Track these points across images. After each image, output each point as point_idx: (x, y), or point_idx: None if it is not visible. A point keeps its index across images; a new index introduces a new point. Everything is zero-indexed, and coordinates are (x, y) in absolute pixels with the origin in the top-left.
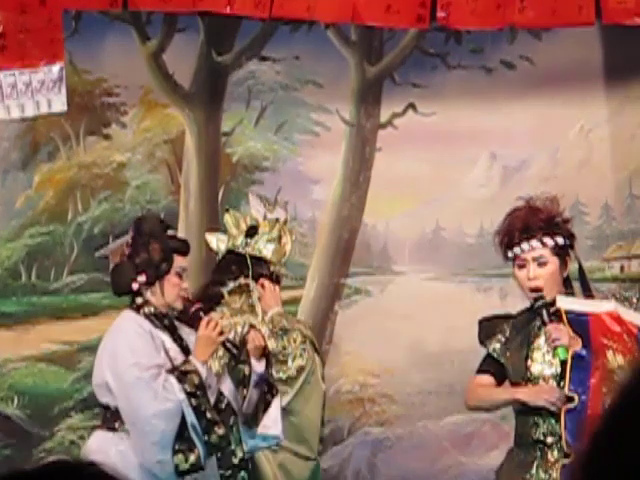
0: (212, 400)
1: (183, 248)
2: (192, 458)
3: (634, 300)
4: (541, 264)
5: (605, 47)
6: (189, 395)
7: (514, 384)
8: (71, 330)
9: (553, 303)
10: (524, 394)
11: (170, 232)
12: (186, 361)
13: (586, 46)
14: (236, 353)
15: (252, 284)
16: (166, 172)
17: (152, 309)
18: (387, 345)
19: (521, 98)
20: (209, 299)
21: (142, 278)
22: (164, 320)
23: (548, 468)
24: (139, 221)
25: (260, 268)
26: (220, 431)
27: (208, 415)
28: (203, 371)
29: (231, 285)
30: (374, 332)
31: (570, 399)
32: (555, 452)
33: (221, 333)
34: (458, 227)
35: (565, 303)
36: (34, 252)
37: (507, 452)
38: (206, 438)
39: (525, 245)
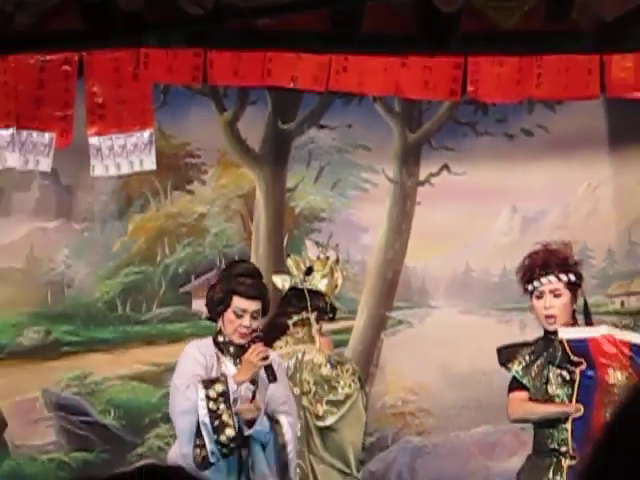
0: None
1: (243, 290)
2: (203, 453)
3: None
4: (556, 295)
5: (609, 117)
6: (209, 398)
7: (533, 401)
8: (159, 354)
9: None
10: (570, 407)
11: (244, 278)
12: (222, 375)
13: (593, 116)
14: (271, 379)
15: (312, 318)
16: (239, 222)
17: (222, 338)
18: (424, 367)
19: (538, 160)
20: (275, 329)
21: (206, 313)
22: (230, 347)
23: (562, 473)
24: (227, 263)
25: (316, 300)
26: (230, 432)
27: (223, 417)
28: (232, 385)
29: (295, 318)
30: (414, 356)
31: (578, 410)
32: (568, 459)
33: (264, 359)
34: (485, 268)
35: (566, 333)
36: (128, 288)
37: (526, 458)
38: (216, 437)
39: (544, 279)
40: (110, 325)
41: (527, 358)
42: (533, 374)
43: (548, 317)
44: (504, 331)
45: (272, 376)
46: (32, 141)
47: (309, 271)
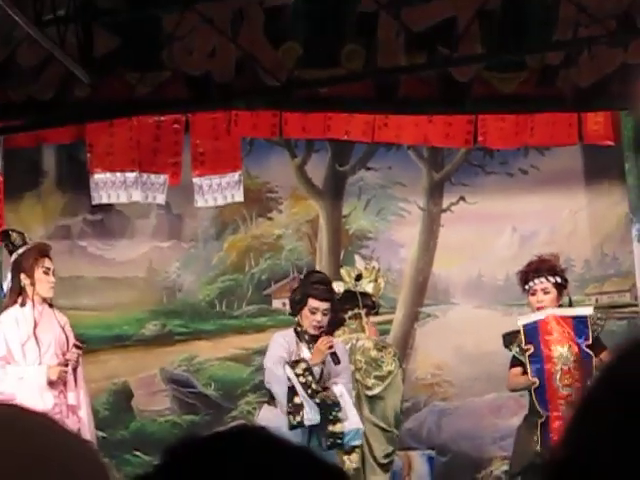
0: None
1: (317, 294)
2: (297, 418)
3: (604, 322)
4: (546, 293)
5: (585, 159)
6: (297, 375)
7: (524, 374)
8: (247, 341)
9: None
10: (530, 380)
11: (318, 285)
12: (302, 358)
13: (573, 158)
14: (336, 362)
15: (363, 313)
16: (307, 241)
17: (300, 328)
18: (447, 349)
19: (532, 192)
20: (335, 322)
21: (288, 309)
22: (305, 336)
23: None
24: (307, 273)
25: (365, 300)
26: (322, 394)
27: (313, 386)
28: (310, 363)
29: (350, 313)
30: (439, 341)
31: (534, 383)
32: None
33: (330, 347)
34: (492, 274)
35: (521, 320)
36: (224, 291)
37: (524, 417)
38: (312, 401)
39: (536, 280)
40: (210, 319)
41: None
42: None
43: (539, 309)
44: (507, 322)
45: (336, 360)
46: (151, 181)
47: (358, 278)
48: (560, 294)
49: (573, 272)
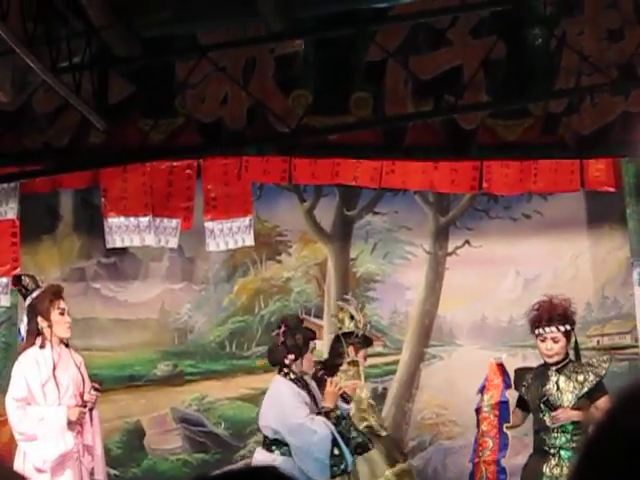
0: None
1: (313, 336)
2: (342, 466)
3: (606, 363)
4: (555, 342)
5: (587, 204)
6: (334, 424)
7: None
8: (257, 380)
9: (555, 364)
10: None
11: (306, 325)
12: (323, 407)
13: (575, 204)
14: (348, 400)
15: (361, 361)
16: (316, 283)
17: (294, 375)
18: (452, 389)
19: (535, 237)
20: (330, 368)
21: (291, 356)
22: (301, 381)
23: (550, 466)
24: (286, 319)
25: (349, 339)
26: (359, 439)
27: (352, 434)
28: (326, 408)
29: (348, 359)
30: (444, 382)
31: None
32: (552, 457)
33: (339, 389)
34: (496, 316)
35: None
36: (234, 333)
37: (529, 456)
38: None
39: (547, 329)
40: (221, 360)
41: (529, 381)
42: (531, 393)
43: (549, 356)
44: (511, 363)
45: (348, 399)
46: (163, 225)
47: (341, 321)
48: (569, 341)
49: (575, 315)
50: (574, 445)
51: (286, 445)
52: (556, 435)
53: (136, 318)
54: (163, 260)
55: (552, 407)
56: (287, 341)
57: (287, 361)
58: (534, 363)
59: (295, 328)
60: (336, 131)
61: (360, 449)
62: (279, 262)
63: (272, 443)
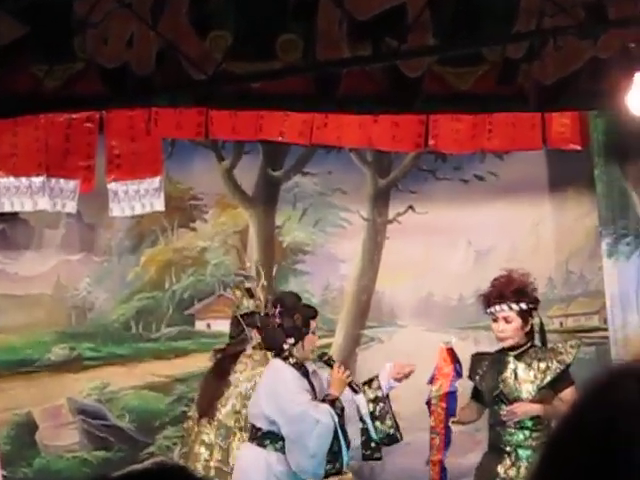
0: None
1: (315, 314)
2: (337, 465)
3: (573, 349)
4: (507, 322)
5: (549, 165)
6: (338, 415)
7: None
8: (166, 367)
9: (513, 349)
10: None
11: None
12: (329, 394)
13: (536, 164)
14: (357, 390)
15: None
16: (236, 254)
17: (294, 360)
18: None
19: (489, 202)
20: (231, 355)
21: (291, 340)
22: (302, 368)
23: (505, 465)
24: (282, 298)
25: (251, 319)
26: (390, 431)
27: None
28: (341, 399)
29: (252, 343)
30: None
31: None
32: (508, 455)
33: (347, 376)
34: (444, 294)
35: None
36: (141, 311)
37: (483, 454)
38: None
39: (498, 307)
40: (125, 342)
41: (484, 368)
42: (486, 381)
43: (500, 338)
44: (461, 347)
45: (358, 388)
46: (60, 187)
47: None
48: (526, 321)
49: (536, 292)
50: (534, 443)
51: (282, 440)
52: (513, 431)
53: (27, 294)
54: (59, 227)
55: (508, 400)
56: (284, 323)
57: (286, 346)
58: (487, 348)
59: (292, 307)
60: (260, 78)
61: (387, 440)
62: (193, 230)
63: (265, 437)
